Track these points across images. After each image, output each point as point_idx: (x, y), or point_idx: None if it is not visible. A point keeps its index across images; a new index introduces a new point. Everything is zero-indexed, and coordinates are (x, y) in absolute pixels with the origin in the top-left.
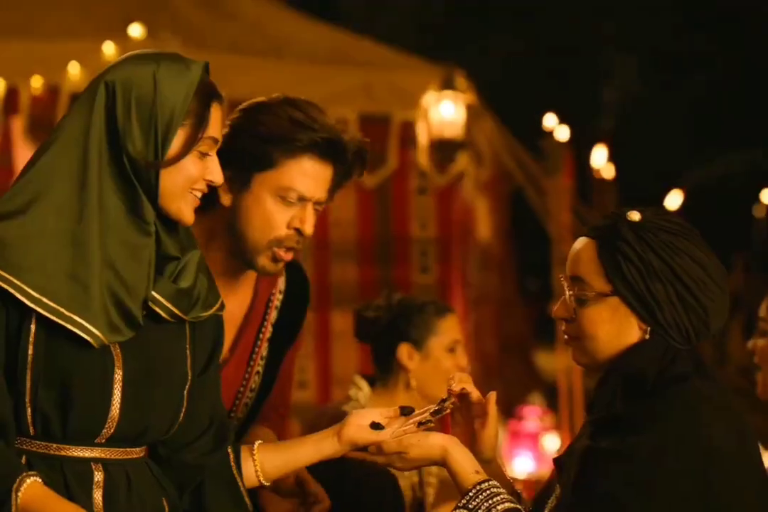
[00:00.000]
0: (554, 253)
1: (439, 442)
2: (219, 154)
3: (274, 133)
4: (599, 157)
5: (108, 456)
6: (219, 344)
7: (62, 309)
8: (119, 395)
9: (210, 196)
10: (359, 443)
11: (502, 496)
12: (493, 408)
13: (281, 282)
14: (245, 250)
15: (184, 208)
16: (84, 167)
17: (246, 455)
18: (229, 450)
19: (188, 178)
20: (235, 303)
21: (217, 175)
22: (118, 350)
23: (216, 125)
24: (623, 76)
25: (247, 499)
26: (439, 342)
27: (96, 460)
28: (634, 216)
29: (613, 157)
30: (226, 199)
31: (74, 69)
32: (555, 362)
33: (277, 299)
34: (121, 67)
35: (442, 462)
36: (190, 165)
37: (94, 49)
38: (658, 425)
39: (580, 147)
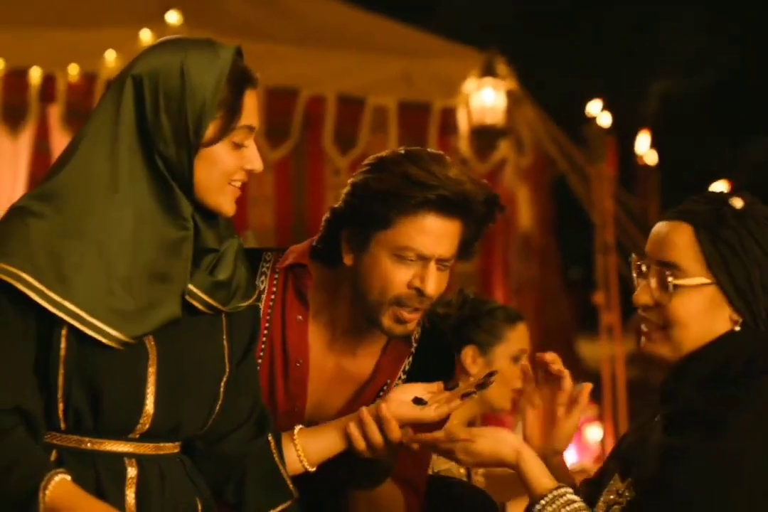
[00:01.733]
0: (597, 241)
1: (511, 441)
2: (341, 211)
3: (389, 191)
4: (642, 144)
5: (142, 451)
6: (256, 335)
7: (83, 314)
8: (153, 389)
9: (335, 253)
10: (402, 420)
11: (578, 504)
12: (585, 399)
13: (413, 346)
14: (368, 309)
15: (223, 201)
16: (115, 166)
17: (287, 441)
18: (270, 437)
19: (225, 170)
20: (361, 359)
21: (256, 163)
22: (153, 343)
23: (251, 112)
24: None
25: (290, 485)
26: (504, 350)
27: (130, 455)
28: (737, 202)
29: (656, 144)
30: (348, 259)
31: (111, 57)
32: (598, 351)
33: (408, 363)
34: (148, 58)
35: (512, 463)
36: (225, 156)
37: (131, 36)
38: (743, 422)
39: (622, 133)
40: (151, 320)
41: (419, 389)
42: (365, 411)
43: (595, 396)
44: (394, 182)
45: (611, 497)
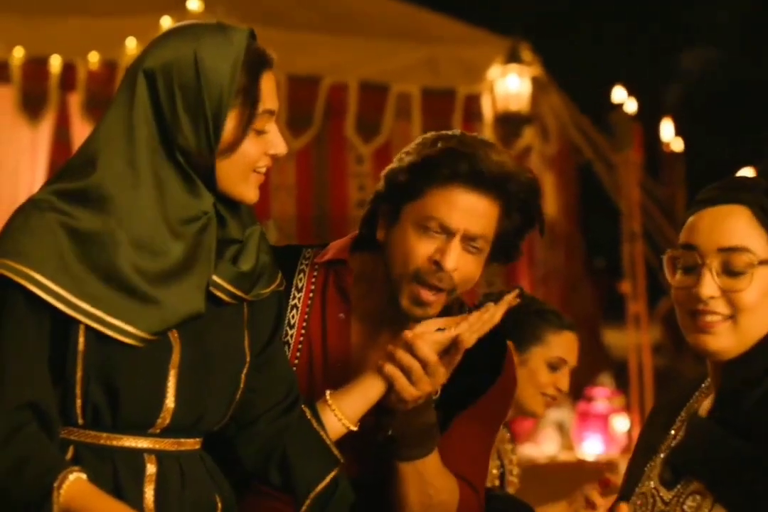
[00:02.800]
0: (624, 230)
1: None
2: (380, 188)
3: (425, 162)
4: (668, 131)
5: (162, 447)
6: (281, 319)
7: (99, 313)
8: (174, 383)
9: (373, 233)
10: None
11: None
12: None
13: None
14: (393, 289)
15: (245, 189)
16: (135, 167)
17: (322, 406)
18: (303, 407)
19: (248, 160)
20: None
21: (280, 147)
22: (177, 336)
23: (270, 96)
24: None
25: (335, 451)
26: (542, 353)
27: (149, 451)
28: None
29: (681, 130)
30: (380, 234)
31: (131, 44)
32: (624, 340)
33: None
34: (158, 50)
35: None
36: (248, 146)
37: (152, 24)
38: None
39: (646, 119)
40: (173, 315)
41: (440, 322)
42: (390, 345)
43: (621, 386)
44: (429, 154)
45: (660, 506)
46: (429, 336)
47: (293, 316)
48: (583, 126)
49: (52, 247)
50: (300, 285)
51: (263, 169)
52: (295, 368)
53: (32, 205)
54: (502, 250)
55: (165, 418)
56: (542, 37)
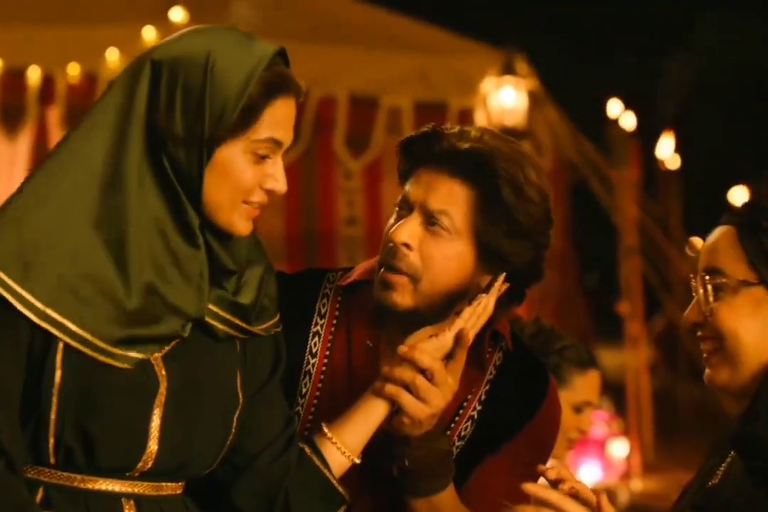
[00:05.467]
0: (621, 247)
1: None
2: None
3: (399, 148)
4: (665, 148)
5: (141, 492)
6: (281, 359)
7: (73, 327)
8: (158, 423)
9: None
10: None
11: None
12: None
13: (490, 373)
14: None
15: (235, 219)
16: (120, 163)
17: (322, 441)
18: (301, 444)
19: (239, 186)
20: None
21: (279, 183)
22: (163, 372)
23: (281, 125)
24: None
25: (340, 489)
26: (568, 396)
27: (128, 495)
28: None
29: (678, 147)
30: None
31: (113, 56)
32: (617, 360)
33: (484, 392)
34: (174, 44)
35: None
36: (243, 171)
37: (134, 34)
38: None
39: (643, 135)
40: (152, 335)
41: (430, 329)
42: (385, 366)
43: (618, 408)
44: (407, 140)
45: None
46: (425, 344)
47: (315, 344)
48: (580, 142)
49: (26, 255)
50: (323, 311)
51: (256, 204)
52: (316, 401)
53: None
54: (494, 252)
55: (146, 462)
56: (535, 49)
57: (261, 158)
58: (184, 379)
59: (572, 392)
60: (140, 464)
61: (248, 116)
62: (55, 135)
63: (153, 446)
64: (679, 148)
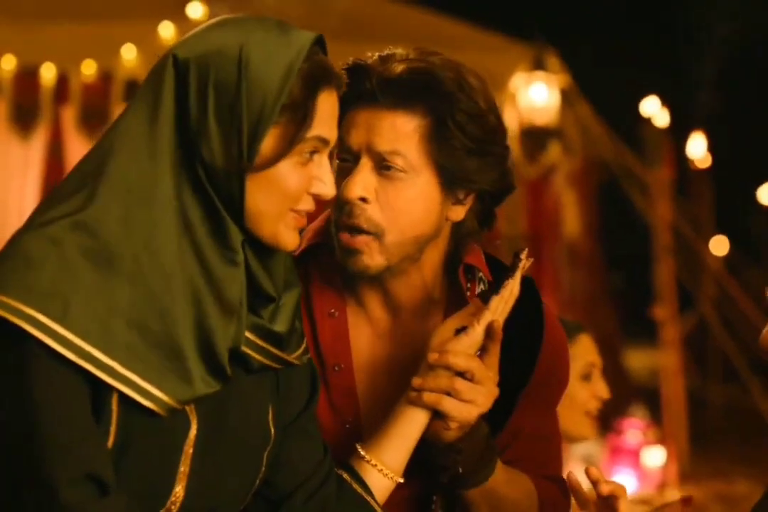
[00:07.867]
0: (655, 248)
1: None
2: None
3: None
4: (697, 147)
5: None
6: (316, 389)
7: (115, 366)
8: (187, 469)
9: None
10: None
11: None
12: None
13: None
14: None
15: (282, 231)
16: (153, 179)
17: (360, 464)
18: (340, 471)
19: (286, 192)
20: (418, 343)
21: (327, 187)
22: (194, 412)
23: (326, 121)
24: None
25: None
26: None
27: None
28: None
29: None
30: None
31: (129, 53)
32: (646, 360)
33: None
34: (199, 38)
35: None
36: (289, 174)
37: (150, 30)
38: None
39: (676, 133)
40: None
41: (454, 322)
42: (415, 378)
43: (653, 415)
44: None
45: None
46: (456, 345)
47: None
48: (613, 141)
49: (68, 289)
50: None
51: (303, 213)
52: None
53: (38, 234)
54: (458, 177)
55: (171, 509)
56: (566, 44)
57: (307, 160)
58: (214, 419)
59: (572, 362)
60: (165, 509)
61: (292, 113)
62: (70, 135)
63: (179, 491)
64: (711, 147)
